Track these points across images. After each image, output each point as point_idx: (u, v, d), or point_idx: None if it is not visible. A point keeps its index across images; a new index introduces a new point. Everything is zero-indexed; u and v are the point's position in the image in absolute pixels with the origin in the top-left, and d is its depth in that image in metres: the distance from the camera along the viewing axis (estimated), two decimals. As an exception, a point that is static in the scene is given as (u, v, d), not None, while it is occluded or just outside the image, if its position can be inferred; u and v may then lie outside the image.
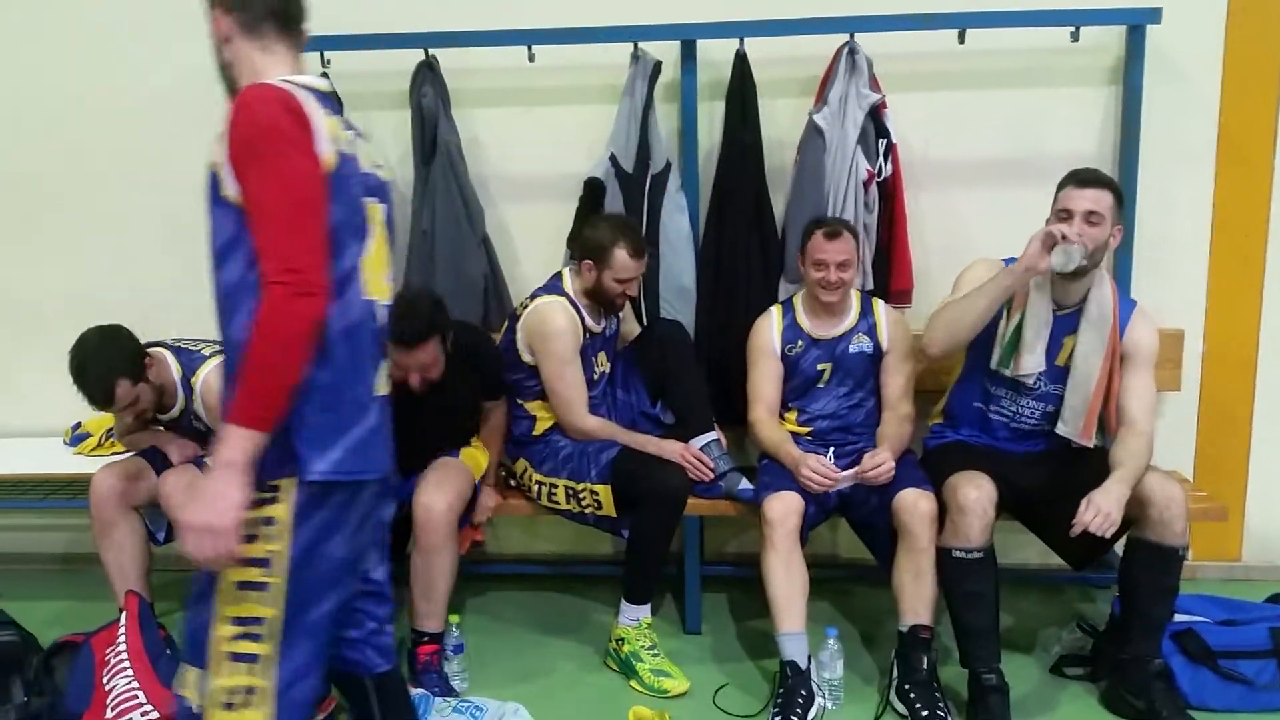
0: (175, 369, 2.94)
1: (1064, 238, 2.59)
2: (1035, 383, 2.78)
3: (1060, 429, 2.76)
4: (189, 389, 2.94)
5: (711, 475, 2.98)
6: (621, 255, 2.91)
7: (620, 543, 2.99)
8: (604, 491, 2.90)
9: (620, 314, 3.22)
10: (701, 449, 3.01)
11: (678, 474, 2.90)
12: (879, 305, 3.07)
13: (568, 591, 3.53)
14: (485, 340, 3.11)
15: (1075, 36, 3.09)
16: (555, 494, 2.99)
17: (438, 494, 2.84)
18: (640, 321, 3.27)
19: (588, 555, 3.69)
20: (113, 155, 3.56)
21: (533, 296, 3.05)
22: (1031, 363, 2.74)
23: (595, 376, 3.10)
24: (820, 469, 2.81)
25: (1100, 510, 2.47)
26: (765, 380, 3.03)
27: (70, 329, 3.66)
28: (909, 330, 3.05)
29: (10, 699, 2.70)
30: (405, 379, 2.72)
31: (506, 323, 3.12)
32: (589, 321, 3.03)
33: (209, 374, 2.90)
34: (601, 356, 3.14)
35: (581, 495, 2.95)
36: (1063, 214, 2.66)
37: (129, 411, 2.87)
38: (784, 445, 2.94)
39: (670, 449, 2.97)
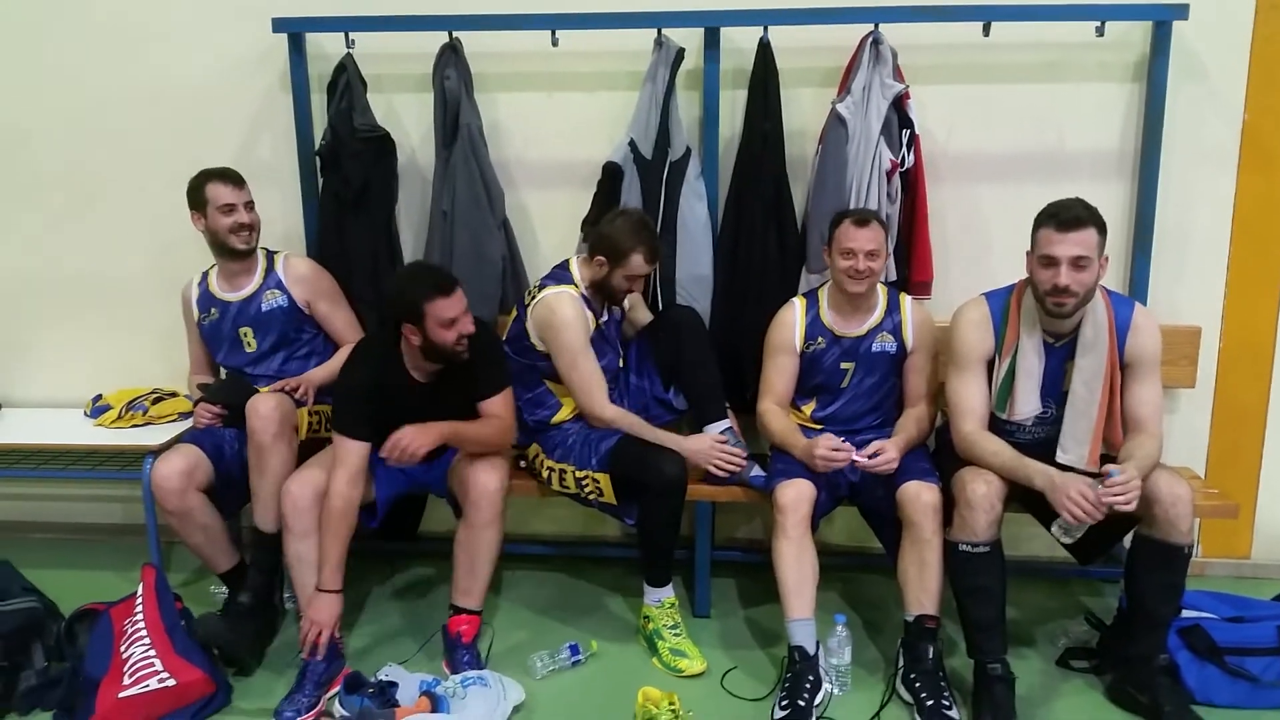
0: None
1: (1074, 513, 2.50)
2: (1033, 425, 2.78)
3: (1061, 457, 2.71)
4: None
5: (741, 465, 2.99)
6: (638, 259, 2.93)
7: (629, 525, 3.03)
8: (604, 480, 2.92)
9: (625, 304, 3.21)
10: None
11: (675, 462, 2.89)
12: (906, 302, 3.05)
13: (577, 573, 3.56)
14: (491, 332, 3.04)
15: (1100, 31, 3.08)
16: (565, 480, 3.01)
17: (491, 472, 2.88)
18: (653, 308, 3.28)
19: (598, 537, 3.73)
20: (147, 142, 3.60)
21: (541, 286, 3.04)
22: (1026, 409, 2.74)
23: (621, 364, 3.14)
24: (833, 447, 2.79)
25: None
26: (779, 375, 3.04)
27: (91, 305, 3.75)
28: (934, 329, 3.04)
29: (32, 664, 2.76)
30: (455, 342, 2.75)
31: (516, 311, 3.13)
32: (589, 312, 3.02)
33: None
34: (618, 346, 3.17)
35: (584, 483, 2.97)
36: (1045, 259, 2.60)
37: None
38: (791, 435, 2.95)
39: (694, 447, 2.97)
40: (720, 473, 2.99)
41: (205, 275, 3.26)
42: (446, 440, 2.86)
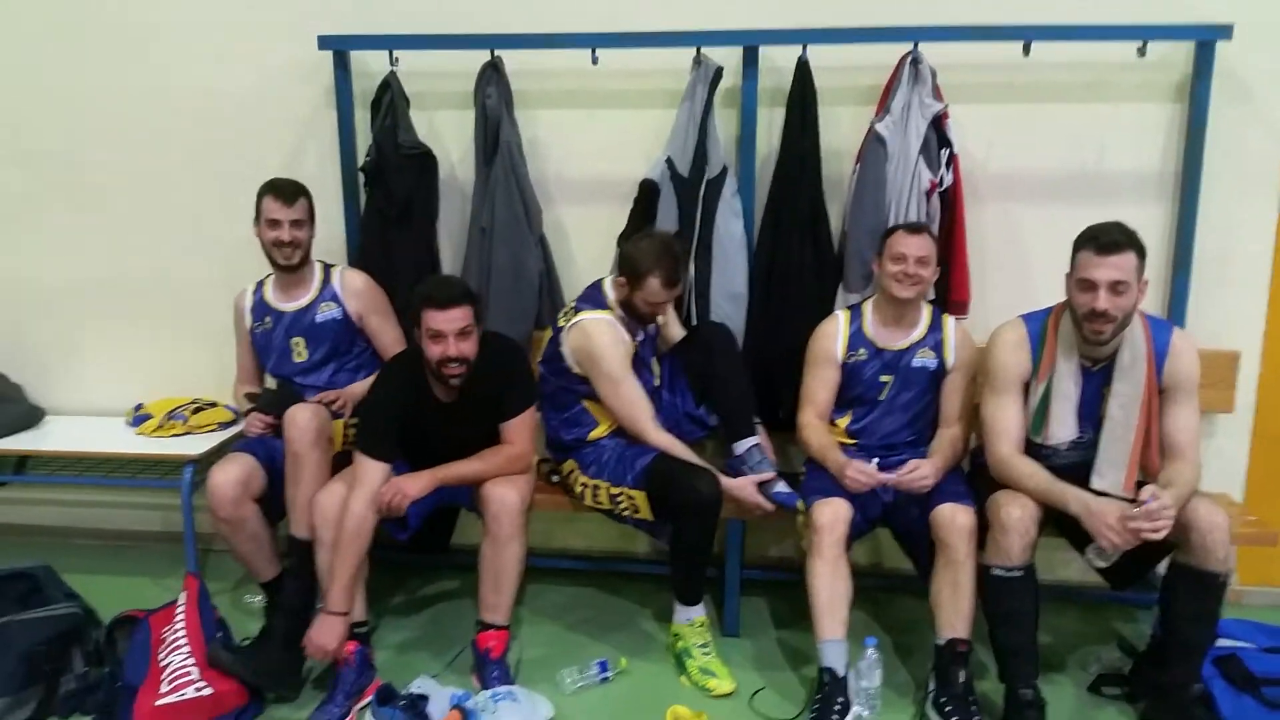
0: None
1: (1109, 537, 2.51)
2: (1069, 449, 2.75)
3: (1096, 483, 2.67)
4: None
5: (769, 508, 2.99)
6: (654, 284, 2.91)
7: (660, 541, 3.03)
8: (640, 497, 2.93)
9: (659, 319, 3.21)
10: (744, 453, 3.03)
11: (710, 481, 2.89)
12: (949, 322, 3.05)
13: (607, 588, 3.57)
14: (520, 354, 3.08)
15: (1142, 51, 3.07)
16: (599, 496, 3.02)
17: (511, 487, 2.90)
18: (686, 324, 3.29)
19: (628, 553, 3.74)
20: (184, 150, 3.67)
21: (576, 309, 3.05)
22: (1061, 433, 2.72)
23: (657, 384, 3.14)
24: (864, 470, 2.82)
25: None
26: (820, 386, 3.04)
27: (138, 312, 3.82)
28: (975, 350, 3.02)
29: (71, 669, 2.81)
30: (437, 360, 2.78)
31: (551, 332, 3.13)
32: (626, 335, 3.02)
33: None
34: (654, 363, 3.17)
35: (619, 499, 2.97)
36: (1084, 283, 2.59)
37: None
38: (830, 450, 2.95)
39: (738, 495, 2.97)
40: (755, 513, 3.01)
41: (260, 284, 3.31)
42: (441, 484, 2.89)
